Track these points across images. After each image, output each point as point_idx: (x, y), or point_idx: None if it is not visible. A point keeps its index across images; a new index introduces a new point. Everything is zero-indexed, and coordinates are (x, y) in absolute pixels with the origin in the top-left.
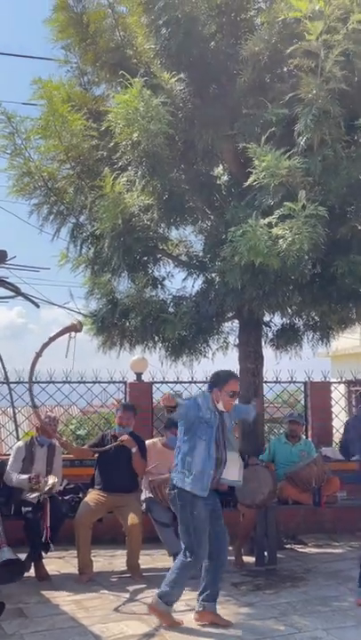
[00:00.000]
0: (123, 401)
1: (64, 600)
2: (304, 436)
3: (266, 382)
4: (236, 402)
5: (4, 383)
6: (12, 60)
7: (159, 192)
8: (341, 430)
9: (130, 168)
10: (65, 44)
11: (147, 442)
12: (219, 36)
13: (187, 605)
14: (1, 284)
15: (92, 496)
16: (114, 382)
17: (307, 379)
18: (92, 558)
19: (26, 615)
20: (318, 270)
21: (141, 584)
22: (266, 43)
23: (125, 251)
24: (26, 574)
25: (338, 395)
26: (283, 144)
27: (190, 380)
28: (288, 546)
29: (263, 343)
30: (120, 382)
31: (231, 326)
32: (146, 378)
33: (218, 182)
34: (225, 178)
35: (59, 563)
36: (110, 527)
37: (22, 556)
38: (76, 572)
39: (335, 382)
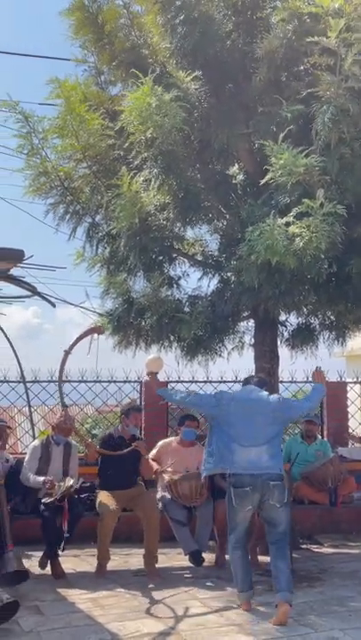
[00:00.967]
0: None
1: (80, 598)
2: (320, 436)
3: (282, 382)
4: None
5: (20, 382)
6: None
7: (175, 191)
8: (358, 430)
9: (145, 167)
10: (81, 43)
11: (162, 442)
12: (235, 34)
13: (204, 606)
14: (18, 284)
15: (104, 496)
16: (129, 382)
17: None
18: (110, 557)
19: (42, 613)
20: (334, 269)
21: (157, 582)
22: (281, 40)
23: (141, 250)
24: (42, 572)
25: (354, 395)
26: (299, 142)
27: (206, 379)
28: (304, 546)
29: (279, 343)
30: (135, 382)
31: (247, 326)
32: (161, 377)
33: (233, 181)
34: (240, 177)
35: (74, 561)
36: (126, 526)
37: (38, 554)
38: (92, 570)
39: (351, 382)
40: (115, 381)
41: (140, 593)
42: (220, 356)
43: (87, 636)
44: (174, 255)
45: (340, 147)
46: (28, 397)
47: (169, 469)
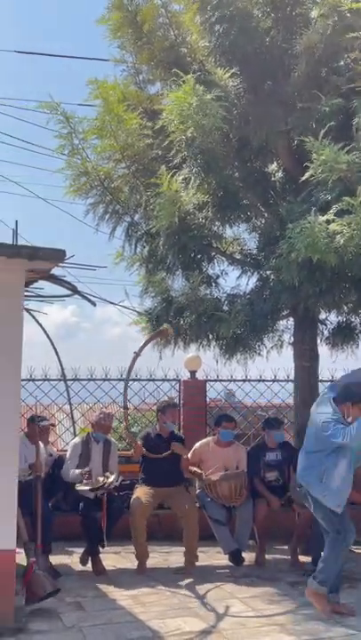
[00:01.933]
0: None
1: (121, 595)
2: None
3: (321, 381)
4: None
5: (61, 380)
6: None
7: (214, 189)
8: None
9: (185, 166)
10: (120, 43)
11: (200, 442)
12: (273, 31)
13: (245, 605)
14: (59, 283)
15: (141, 491)
16: (168, 380)
17: None
18: (149, 554)
19: (84, 609)
20: None
21: (197, 580)
22: (321, 36)
23: (180, 249)
24: (83, 568)
25: None
26: (339, 138)
27: (244, 378)
28: None
29: (319, 341)
30: (174, 380)
31: (286, 324)
32: (200, 376)
33: (272, 179)
34: (279, 174)
35: (114, 558)
36: (166, 524)
37: (79, 551)
38: (132, 567)
39: None
40: (153, 380)
41: (180, 591)
42: (259, 354)
43: (129, 633)
44: (213, 254)
45: None
46: (68, 395)
47: (208, 469)
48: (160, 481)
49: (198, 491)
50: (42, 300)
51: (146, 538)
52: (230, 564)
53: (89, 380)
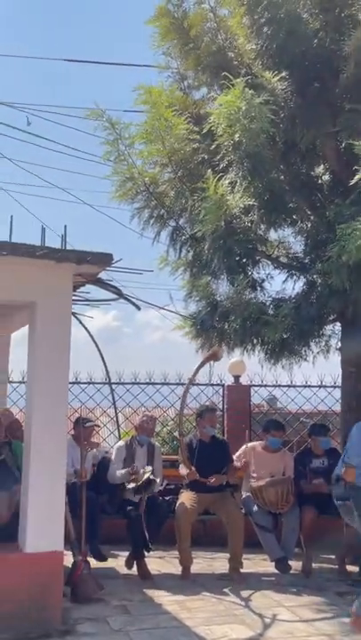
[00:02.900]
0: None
1: (166, 600)
2: None
3: None
4: None
5: (105, 384)
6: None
7: (260, 192)
8: None
9: (230, 169)
10: (165, 49)
11: (247, 445)
12: (322, 33)
13: (292, 613)
14: (105, 287)
15: (186, 496)
16: (212, 385)
17: None
18: (193, 560)
19: (130, 612)
20: None
21: (243, 587)
22: None
23: (225, 253)
24: (128, 572)
25: None
26: None
27: (289, 383)
28: None
29: None
30: (218, 385)
31: (333, 329)
32: (244, 381)
33: (319, 182)
34: (326, 177)
35: (159, 562)
36: (211, 530)
37: (124, 554)
38: (176, 572)
39: None
40: (197, 384)
41: (225, 597)
42: (305, 359)
43: (176, 639)
44: (258, 257)
45: None
46: (113, 398)
47: (254, 474)
48: (205, 486)
49: (244, 496)
50: (88, 304)
51: (190, 543)
52: (276, 571)
53: (133, 383)
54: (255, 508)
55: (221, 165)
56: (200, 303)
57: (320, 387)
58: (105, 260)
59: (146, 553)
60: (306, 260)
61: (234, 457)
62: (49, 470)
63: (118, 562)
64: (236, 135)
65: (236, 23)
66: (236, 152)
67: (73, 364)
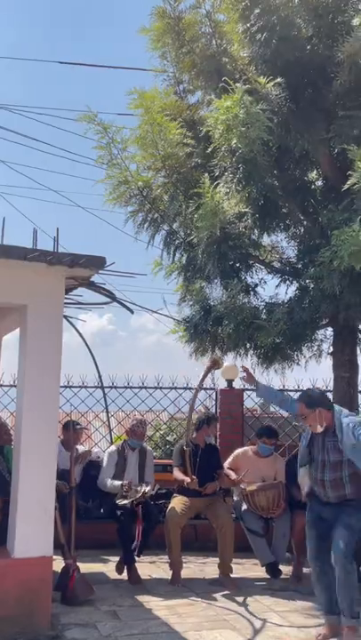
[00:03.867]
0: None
1: (157, 605)
2: None
3: None
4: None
5: (98, 387)
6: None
7: (254, 198)
8: None
9: (226, 175)
10: (161, 52)
11: (238, 450)
12: (315, 39)
13: (283, 619)
14: (98, 290)
15: (177, 501)
16: (205, 389)
17: None
18: (183, 565)
19: (119, 618)
20: None
21: (233, 592)
22: None
23: (219, 258)
24: (119, 577)
25: None
26: None
27: (282, 388)
28: None
29: (358, 351)
30: (211, 389)
31: (325, 334)
32: (237, 385)
33: (312, 187)
34: (319, 182)
35: (150, 567)
36: (202, 534)
37: (114, 559)
38: (168, 576)
39: None
40: (190, 388)
41: (216, 602)
42: (297, 364)
43: None
44: (251, 262)
45: None
46: (105, 403)
47: (245, 479)
48: (197, 491)
49: (235, 499)
50: (80, 307)
51: (181, 548)
52: (267, 576)
53: (126, 387)
54: (246, 511)
55: (216, 172)
56: (194, 307)
57: None
58: (97, 262)
59: (136, 558)
60: (299, 265)
61: (225, 464)
62: (39, 475)
63: (108, 567)
64: (233, 141)
65: (230, 29)
66: (231, 158)
67: (66, 368)
